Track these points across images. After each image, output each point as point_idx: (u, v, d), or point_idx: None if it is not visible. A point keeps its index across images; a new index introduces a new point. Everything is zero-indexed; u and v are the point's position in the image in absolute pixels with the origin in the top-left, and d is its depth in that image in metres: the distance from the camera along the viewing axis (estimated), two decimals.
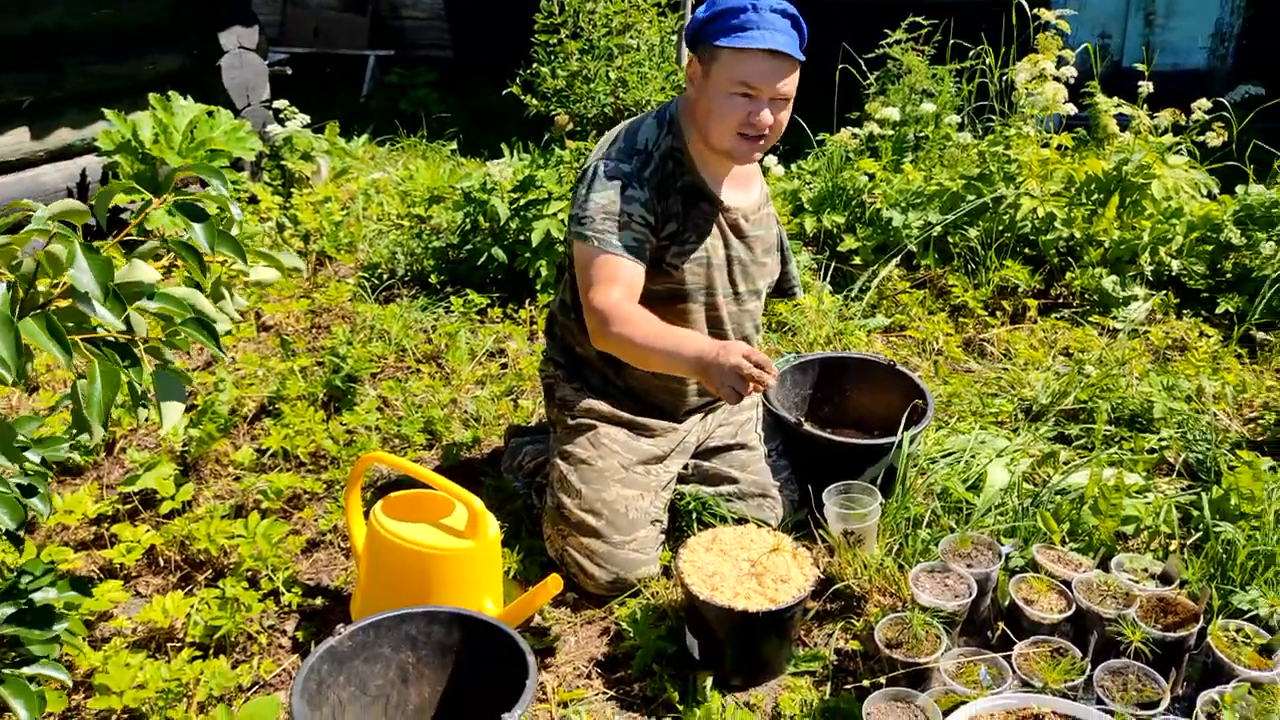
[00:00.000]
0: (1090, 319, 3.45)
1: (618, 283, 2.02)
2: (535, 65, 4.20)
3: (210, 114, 4.32)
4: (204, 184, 4.52)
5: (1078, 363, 3.13)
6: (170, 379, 1.27)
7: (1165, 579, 1.96)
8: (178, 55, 4.78)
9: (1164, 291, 3.55)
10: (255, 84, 5.10)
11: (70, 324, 1.32)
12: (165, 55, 4.73)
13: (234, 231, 1.54)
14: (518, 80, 4.23)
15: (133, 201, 4.00)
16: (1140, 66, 3.96)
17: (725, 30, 1.99)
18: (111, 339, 1.30)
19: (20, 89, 4.14)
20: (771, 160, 4.38)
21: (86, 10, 4.34)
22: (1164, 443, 2.68)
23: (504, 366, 3.32)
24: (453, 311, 3.65)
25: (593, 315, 2.02)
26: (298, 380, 3.03)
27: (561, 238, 3.59)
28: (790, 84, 2.04)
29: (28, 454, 1.72)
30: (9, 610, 1.60)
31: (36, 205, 1.41)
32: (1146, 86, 3.82)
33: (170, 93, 4.35)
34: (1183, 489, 2.47)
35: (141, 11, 4.59)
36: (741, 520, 2.26)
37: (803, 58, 2.03)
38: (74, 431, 1.38)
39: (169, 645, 2.08)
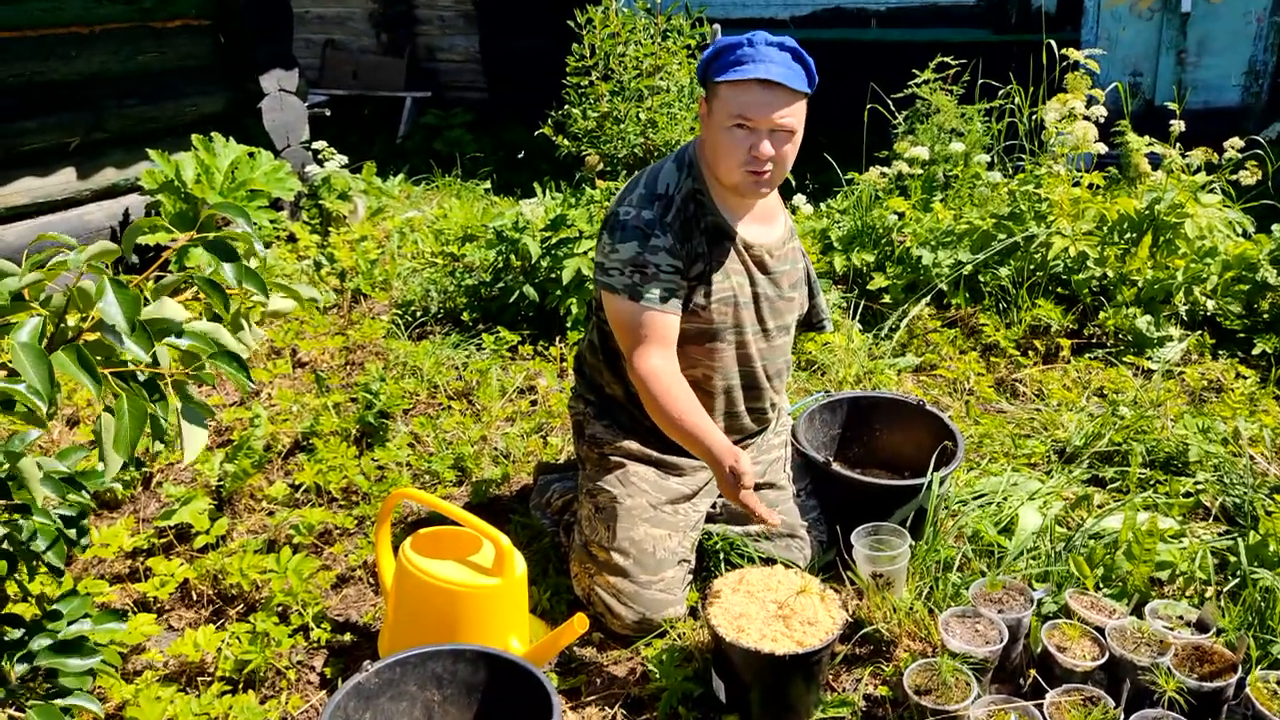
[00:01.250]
0: (1124, 359, 3.42)
1: (656, 341, 2.07)
2: (567, 107, 4.26)
3: (251, 155, 4.43)
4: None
5: (1112, 404, 3.10)
6: (194, 412, 1.30)
7: (1201, 627, 1.93)
8: (219, 97, 4.92)
9: (1199, 332, 3.51)
10: (295, 125, 5.22)
11: (99, 357, 1.36)
12: (207, 97, 4.86)
13: (253, 264, 1.57)
14: (549, 121, 4.30)
15: (174, 239, 4.09)
16: (1172, 105, 3.95)
17: (723, 66, 2.03)
18: (138, 373, 1.33)
19: (66, 131, 4.28)
20: (800, 199, 4.40)
21: (129, 54, 4.48)
22: (1200, 486, 2.64)
23: (534, 403, 3.34)
24: (484, 348, 3.69)
25: (634, 375, 2.10)
26: (331, 416, 3.07)
27: (592, 275, 3.62)
28: (790, 116, 2.03)
29: (71, 485, 1.76)
30: (46, 641, 1.63)
31: (69, 240, 1.45)
32: (1179, 125, 3.80)
33: (213, 134, 4.47)
34: (1219, 534, 2.43)
35: (183, 55, 4.73)
36: (769, 561, 2.25)
37: (802, 88, 2.03)
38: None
39: (199, 679, 2.10)
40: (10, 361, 1.15)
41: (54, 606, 1.70)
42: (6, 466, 1.37)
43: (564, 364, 3.61)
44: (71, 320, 1.27)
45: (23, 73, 4.10)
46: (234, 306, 1.45)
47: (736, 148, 2.04)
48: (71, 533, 1.57)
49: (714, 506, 2.37)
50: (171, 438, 1.39)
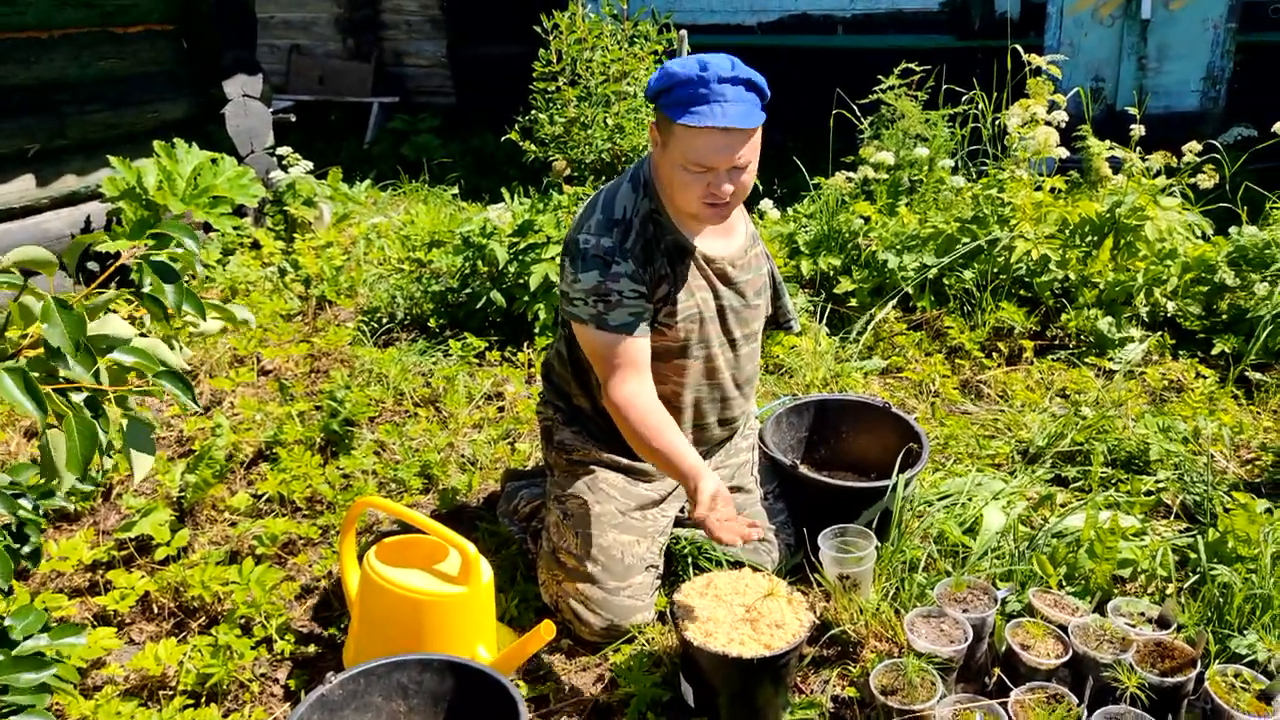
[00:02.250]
0: (1086, 360, 3.46)
1: (629, 367, 2.06)
2: (534, 112, 4.25)
3: (214, 161, 4.38)
4: (208, 227, 4.55)
5: (1074, 404, 3.14)
6: (142, 429, 1.28)
7: (1162, 623, 1.95)
8: (182, 103, 4.86)
9: (1160, 332, 3.56)
10: (259, 131, 5.18)
11: (39, 374, 1.33)
12: (169, 103, 4.80)
13: (192, 281, 1.56)
14: (516, 127, 4.29)
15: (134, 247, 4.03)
16: (1133, 110, 4.01)
17: (677, 104, 1.95)
18: (80, 388, 1.30)
19: (25, 137, 4.20)
20: (767, 204, 4.42)
21: (90, 59, 4.42)
22: (1161, 485, 2.67)
23: (501, 410, 3.32)
24: (451, 355, 3.67)
25: (608, 404, 2.10)
26: (295, 425, 3.04)
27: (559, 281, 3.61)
28: (748, 150, 1.99)
29: (21, 500, 1.73)
30: None
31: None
32: (1139, 129, 3.86)
33: (175, 140, 4.42)
34: (1180, 531, 2.47)
35: (145, 60, 4.67)
36: (737, 564, 2.25)
37: (758, 122, 1.98)
38: (44, 480, 1.39)
39: (161, 693, 2.07)
40: None
41: (7, 622, 1.67)
42: None
43: (532, 370, 3.60)
44: (12, 335, 1.25)
45: None
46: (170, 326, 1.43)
47: (695, 186, 2.00)
48: (22, 549, 1.54)
49: (682, 511, 2.37)
50: (119, 451, 1.37)
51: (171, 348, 1.40)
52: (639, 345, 2.08)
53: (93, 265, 4.37)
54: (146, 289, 1.27)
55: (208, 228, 4.61)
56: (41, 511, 1.72)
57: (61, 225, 4.40)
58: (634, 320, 2.07)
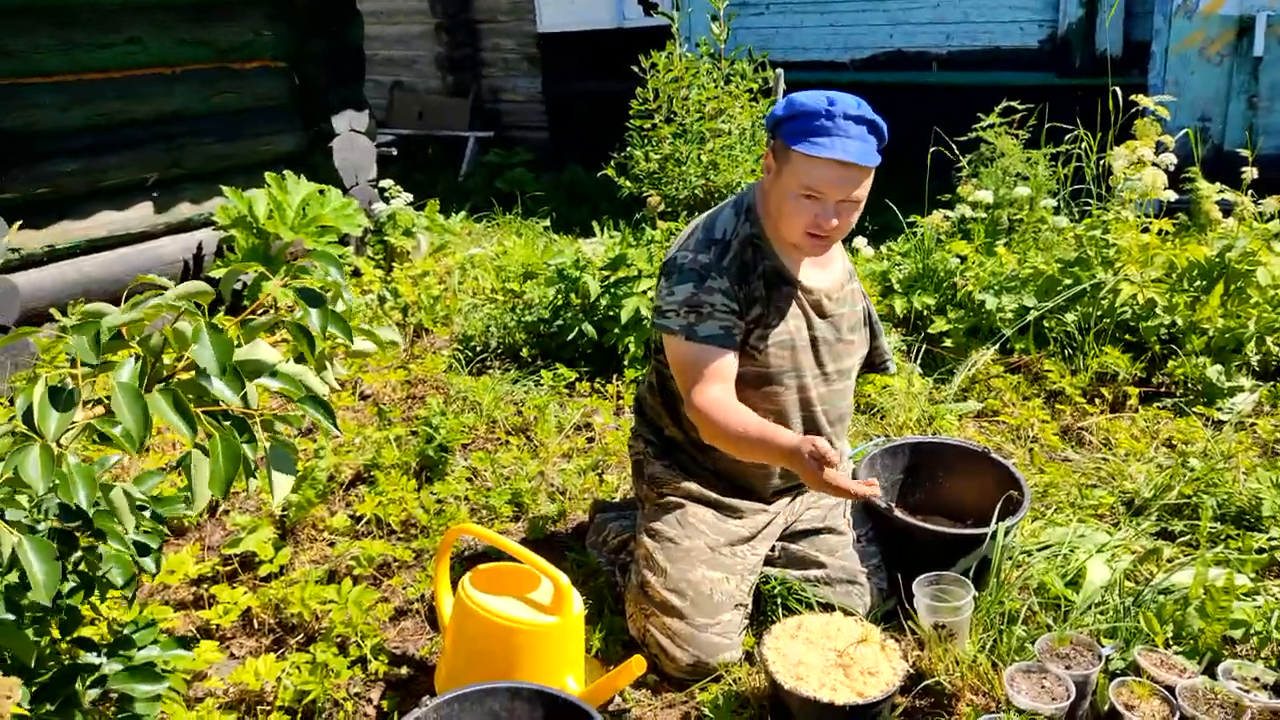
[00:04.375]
0: (1194, 409, 3.34)
1: (713, 378, 2.06)
2: (629, 148, 4.32)
3: (321, 192, 4.55)
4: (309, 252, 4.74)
5: (1181, 455, 3.02)
6: (284, 453, 1.34)
7: (1279, 689, 1.86)
8: (292, 137, 5.08)
9: (1272, 383, 3.41)
10: (363, 164, 5.37)
11: (191, 396, 1.41)
12: (281, 136, 5.02)
13: (339, 308, 1.62)
14: (612, 162, 4.35)
15: (247, 273, 4.21)
16: (1243, 151, 3.88)
17: (800, 134, 2.00)
18: (230, 412, 1.37)
19: (145, 167, 4.44)
20: (861, 241, 4.39)
21: (208, 94, 4.65)
22: (1274, 542, 2.55)
23: (590, 440, 3.35)
24: (542, 384, 3.72)
25: (691, 413, 2.09)
26: (392, 449, 3.11)
27: (650, 315, 3.65)
28: (861, 189, 2.03)
29: (144, 513, 1.81)
30: (118, 666, 1.67)
31: (165, 281, 1.51)
32: (1250, 172, 3.73)
33: (285, 172, 4.61)
34: None
35: (259, 95, 4.90)
36: (828, 607, 2.22)
37: (875, 162, 2.02)
38: (186, 497, 1.46)
39: (259, 708, 2.12)
40: (109, 398, 1.19)
41: (126, 632, 1.74)
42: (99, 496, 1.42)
43: (621, 401, 3.62)
44: (168, 359, 1.32)
45: (106, 112, 4.28)
46: (319, 348, 1.49)
47: (802, 214, 2.04)
48: (146, 560, 1.61)
49: (773, 550, 2.36)
50: (262, 475, 1.43)
51: (324, 368, 1.46)
52: (726, 359, 2.08)
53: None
54: (295, 316, 1.34)
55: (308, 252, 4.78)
56: (162, 521, 1.80)
57: (176, 250, 4.63)
58: (724, 334, 2.08)
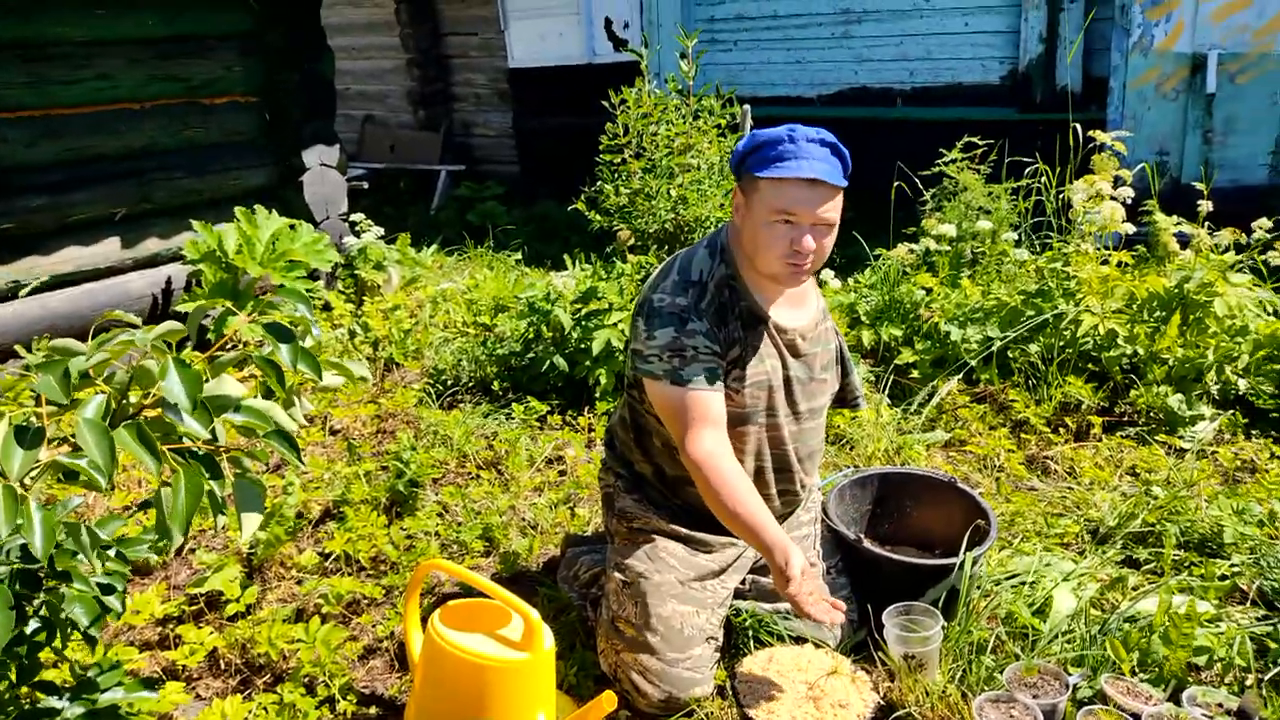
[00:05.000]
0: (1156, 438, 3.39)
1: (705, 422, 2.06)
2: (599, 183, 4.35)
3: (292, 226, 4.54)
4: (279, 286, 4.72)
5: (1144, 483, 3.07)
6: (251, 490, 1.34)
7: (1242, 716, 1.89)
8: (262, 171, 5.07)
9: (1231, 411, 3.48)
10: (334, 198, 5.37)
11: (158, 434, 1.40)
12: (250, 171, 5.02)
13: (307, 343, 1.63)
14: (582, 196, 4.39)
15: (214, 309, 4.19)
16: (1199, 184, 3.98)
17: (764, 162, 2.04)
18: (196, 449, 1.37)
19: (113, 202, 4.42)
20: (829, 274, 4.45)
21: (177, 129, 4.65)
22: (1236, 569, 2.59)
23: (562, 474, 3.35)
24: (513, 418, 3.72)
25: (686, 461, 2.08)
26: (362, 484, 3.10)
27: (621, 346, 3.66)
28: (831, 210, 2.05)
29: (109, 552, 1.79)
30: (80, 710, 1.64)
31: (132, 319, 1.50)
32: (1206, 205, 3.83)
33: (255, 206, 4.60)
34: (1257, 619, 2.38)
35: (229, 130, 4.90)
36: (799, 639, 2.23)
37: (844, 183, 2.05)
38: (155, 536, 1.45)
39: None
40: (74, 436, 1.19)
41: (88, 675, 1.72)
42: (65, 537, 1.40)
43: (593, 434, 3.63)
44: (134, 397, 1.32)
45: (75, 147, 4.26)
46: (289, 382, 1.49)
47: (778, 241, 2.05)
48: (110, 600, 1.59)
49: (743, 583, 2.36)
50: (230, 512, 1.43)
51: (292, 404, 1.46)
52: (715, 400, 2.08)
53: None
54: (264, 352, 1.34)
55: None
56: (125, 561, 1.78)
57: (143, 285, 4.60)
58: (710, 375, 2.08)
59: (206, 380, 1.38)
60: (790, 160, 2.01)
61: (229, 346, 1.79)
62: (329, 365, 1.77)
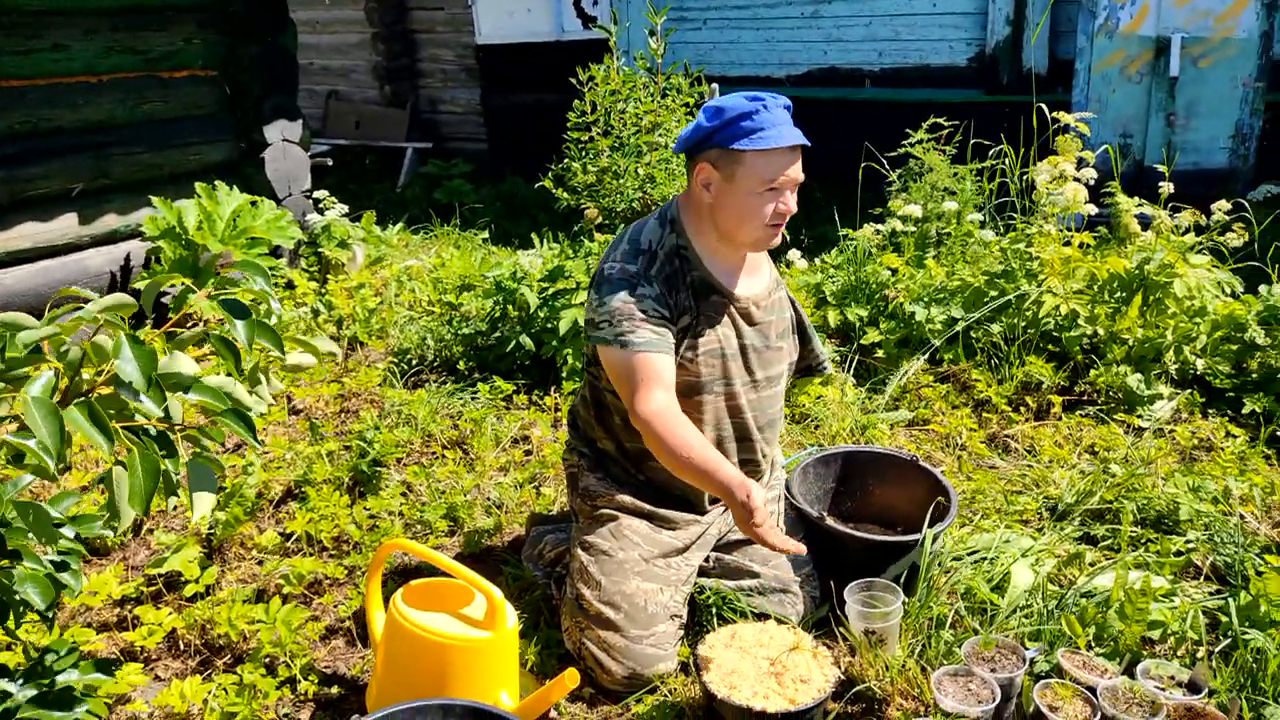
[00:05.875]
0: (1115, 417, 3.44)
1: (654, 383, 2.07)
2: (567, 161, 4.33)
3: (253, 203, 4.47)
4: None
5: (1103, 461, 3.12)
6: (204, 469, 1.32)
7: (1193, 688, 1.92)
8: (223, 146, 4.99)
9: (1189, 390, 3.53)
10: (297, 174, 5.29)
11: (111, 411, 1.37)
12: (211, 146, 4.93)
13: (272, 321, 1.60)
14: (550, 174, 4.36)
15: (173, 286, 4.12)
16: (1161, 167, 4.02)
17: (742, 134, 2.07)
18: (150, 428, 1.34)
19: (70, 177, 4.33)
20: (795, 254, 4.46)
21: (135, 103, 4.55)
22: (1191, 545, 2.64)
23: (528, 453, 3.34)
24: (479, 398, 3.70)
25: (636, 421, 2.08)
26: (324, 464, 3.07)
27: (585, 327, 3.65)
28: (801, 169, 2.16)
29: (62, 530, 1.76)
30: (32, 692, 1.62)
31: (88, 294, 1.47)
32: (1167, 187, 3.87)
33: (216, 182, 4.52)
34: (1210, 593, 2.43)
35: (189, 104, 4.81)
36: (762, 616, 2.24)
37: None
38: (106, 516, 1.42)
39: None
40: (23, 415, 1.16)
41: (41, 656, 1.69)
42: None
43: (559, 414, 3.62)
44: (87, 374, 1.29)
45: (30, 120, 4.16)
46: (253, 361, 1.47)
47: (764, 209, 2.12)
48: (64, 577, 1.57)
49: (707, 560, 2.37)
50: (184, 491, 1.40)
51: (258, 382, 1.44)
52: (663, 362, 2.10)
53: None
54: (221, 328, 1.31)
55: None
56: (81, 540, 1.75)
57: (102, 263, 4.51)
58: (658, 339, 2.10)
59: (163, 357, 1.35)
60: (769, 129, 2.07)
61: (192, 325, 1.76)
62: (295, 343, 1.75)
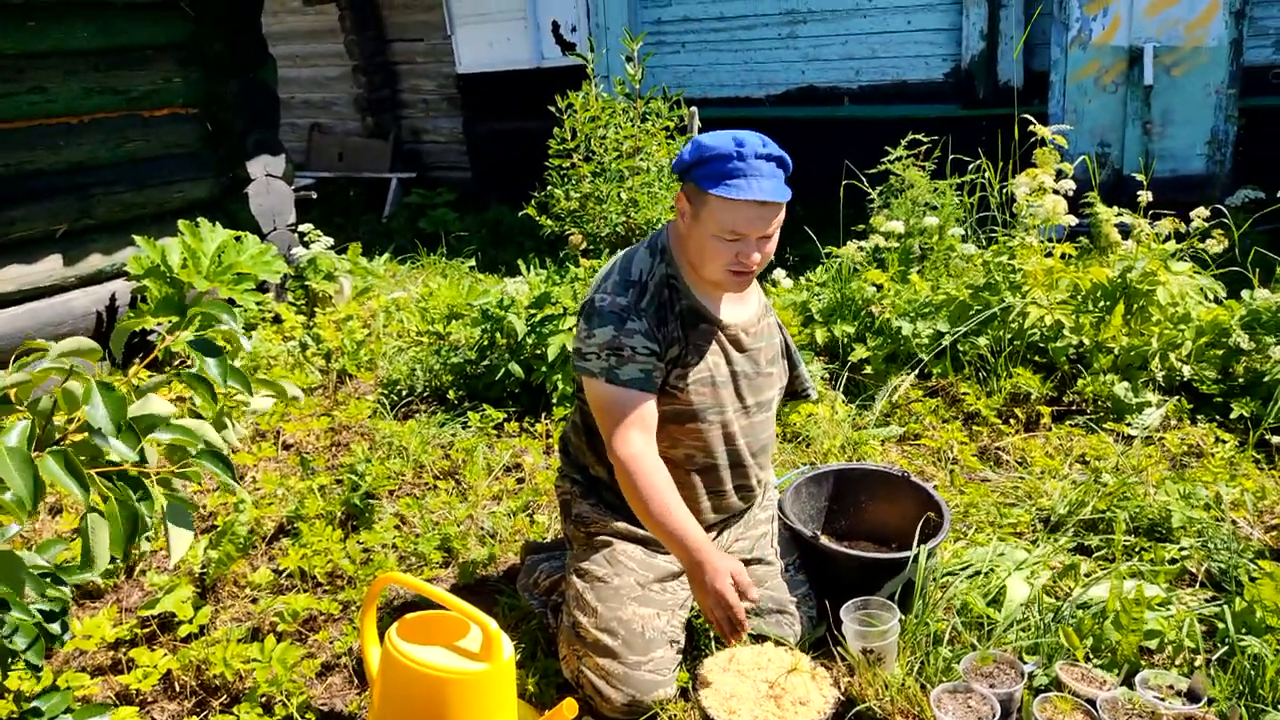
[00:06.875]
0: (1104, 426, 3.46)
1: (635, 424, 2.07)
2: (550, 187, 4.34)
3: (238, 239, 4.47)
4: (231, 303, 4.67)
5: (1094, 471, 3.13)
6: (180, 509, 1.31)
7: (1192, 696, 1.93)
8: (206, 183, 4.99)
9: (1176, 397, 3.56)
10: (281, 209, 5.29)
11: (84, 457, 1.36)
12: (194, 183, 4.93)
13: (238, 362, 1.59)
14: (533, 201, 4.37)
15: (160, 323, 4.11)
16: (1139, 176, 4.07)
17: (713, 177, 2.04)
18: (124, 470, 1.33)
19: (53, 219, 4.32)
20: (780, 273, 4.48)
21: (117, 143, 4.55)
22: (1184, 552, 2.65)
23: (520, 481, 3.34)
24: (470, 426, 3.70)
25: (613, 459, 2.09)
26: (316, 499, 3.05)
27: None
28: (776, 223, 2.09)
29: (49, 580, 1.75)
30: None
31: (48, 345, 1.46)
32: (1146, 195, 3.91)
33: (199, 219, 4.52)
34: (1205, 600, 2.44)
35: (170, 142, 4.81)
36: (759, 638, 2.24)
37: (789, 196, 2.07)
38: (81, 562, 1.41)
39: None
40: None
41: (33, 704, 1.67)
42: None
43: (550, 441, 3.62)
44: (59, 420, 1.29)
45: (10, 162, 4.16)
46: (219, 405, 1.46)
47: (724, 254, 2.08)
48: (54, 628, 1.56)
49: None
50: (156, 528, 1.40)
51: (223, 426, 1.43)
52: (647, 404, 2.10)
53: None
54: (193, 369, 1.31)
55: (231, 303, 4.69)
56: (64, 585, 1.74)
57: (87, 303, 4.50)
58: (644, 377, 2.10)
59: (133, 402, 1.34)
60: (740, 179, 2.02)
61: (180, 363, 1.75)
62: (260, 384, 1.74)
